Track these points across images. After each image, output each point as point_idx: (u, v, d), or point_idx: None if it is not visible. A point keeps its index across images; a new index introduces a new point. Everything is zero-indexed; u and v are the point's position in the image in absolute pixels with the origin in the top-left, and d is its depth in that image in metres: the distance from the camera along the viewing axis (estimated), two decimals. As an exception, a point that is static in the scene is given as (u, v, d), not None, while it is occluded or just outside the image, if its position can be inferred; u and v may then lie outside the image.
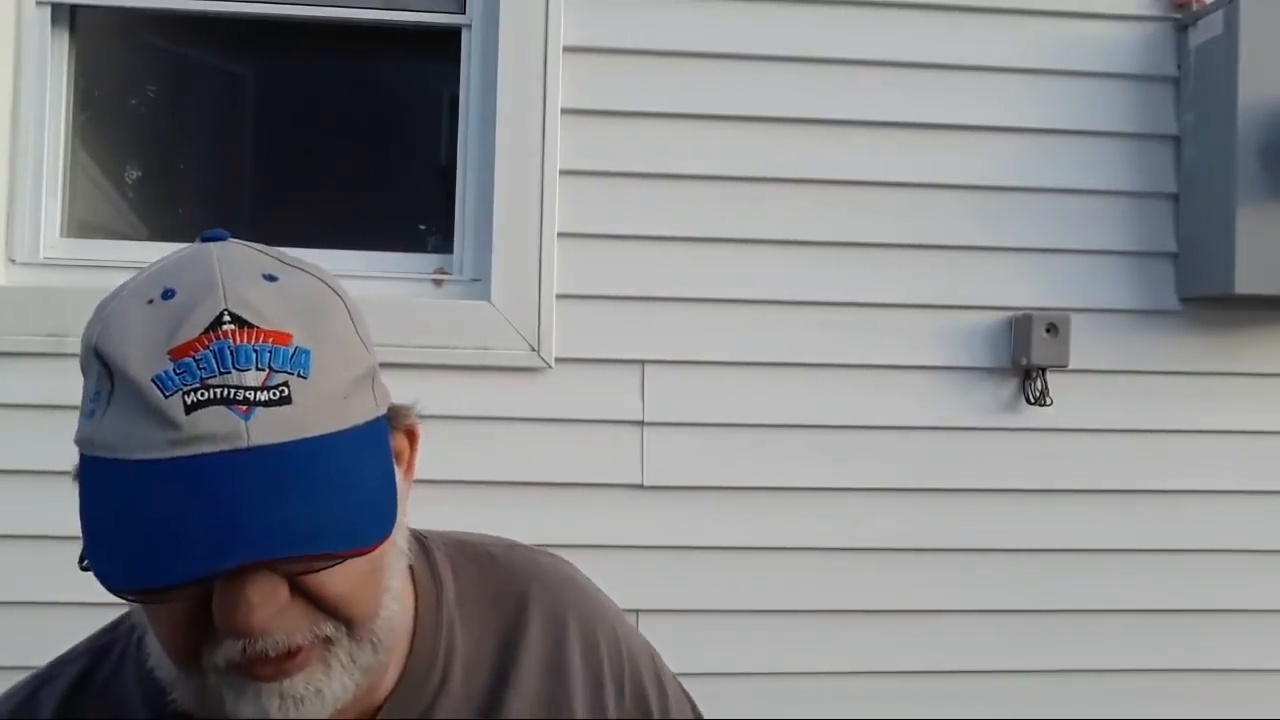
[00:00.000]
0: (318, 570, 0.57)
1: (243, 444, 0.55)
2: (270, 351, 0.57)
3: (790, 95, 1.93)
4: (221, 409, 0.55)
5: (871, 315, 1.93)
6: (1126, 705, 1.96)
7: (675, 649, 1.89)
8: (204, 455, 0.54)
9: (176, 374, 0.55)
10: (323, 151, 2.10)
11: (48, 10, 1.88)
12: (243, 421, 0.55)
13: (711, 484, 1.89)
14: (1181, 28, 1.99)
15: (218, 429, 0.54)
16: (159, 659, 0.62)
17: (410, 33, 2.00)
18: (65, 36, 1.92)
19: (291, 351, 0.58)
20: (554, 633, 0.78)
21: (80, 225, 1.94)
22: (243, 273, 0.60)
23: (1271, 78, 1.85)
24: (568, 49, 1.88)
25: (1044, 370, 1.92)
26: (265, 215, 2.08)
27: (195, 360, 0.56)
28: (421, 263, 1.94)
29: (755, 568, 1.89)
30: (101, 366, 0.57)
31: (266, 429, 0.55)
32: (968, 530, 1.94)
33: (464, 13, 1.94)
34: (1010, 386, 1.96)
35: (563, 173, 1.87)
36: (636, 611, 1.82)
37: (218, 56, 2.08)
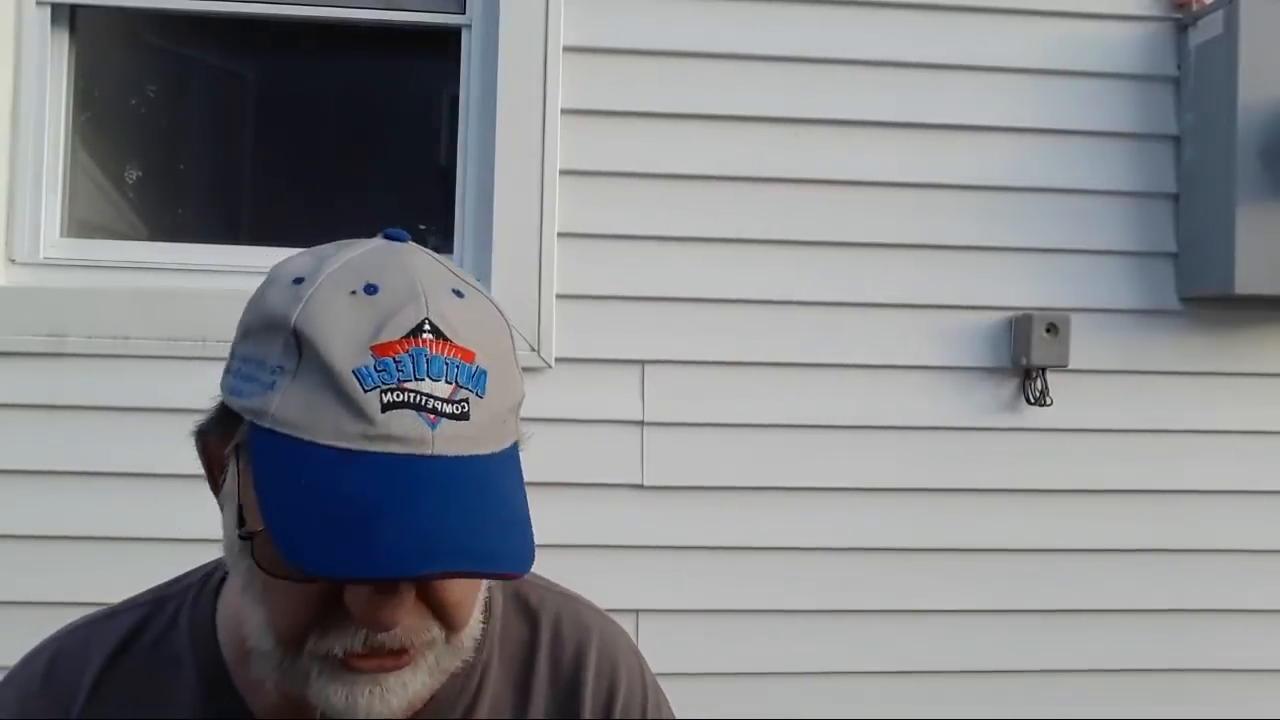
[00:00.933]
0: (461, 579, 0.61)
1: (428, 451, 0.56)
2: (458, 367, 0.59)
3: (790, 95, 1.92)
4: (413, 414, 0.56)
5: (871, 315, 1.93)
6: (1126, 705, 1.96)
7: (674, 649, 1.90)
8: (394, 455, 0.56)
9: (377, 371, 0.57)
10: (322, 151, 2.10)
11: (48, 10, 1.88)
12: (430, 430, 0.57)
13: (711, 484, 1.89)
14: (1181, 28, 1.99)
15: (409, 432, 0.56)
16: (258, 631, 0.62)
17: (410, 33, 2.00)
18: (65, 36, 1.92)
19: (474, 370, 0.60)
20: (574, 660, 0.79)
21: (80, 225, 1.94)
22: (438, 284, 0.62)
23: (1271, 78, 1.85)
24: (568, 49, 1.88)
25: (1044, 370, 1.92)
26: (265, 215, 2.08)
27: (395, 361, 0.57)
28: (421, 263, 1.93)
29: (755, 568, 1.89)
30: (294, 342, 0.58)
31: (449, 441, 0.57)
32: (968, 530, 1.94)
33: (464, 13, 1.94)
34: (1010, 386, 1.96)
35: (563, 173, 1.87)
36: (636, 611, 1.82)
37: (218, 56, 2.08)
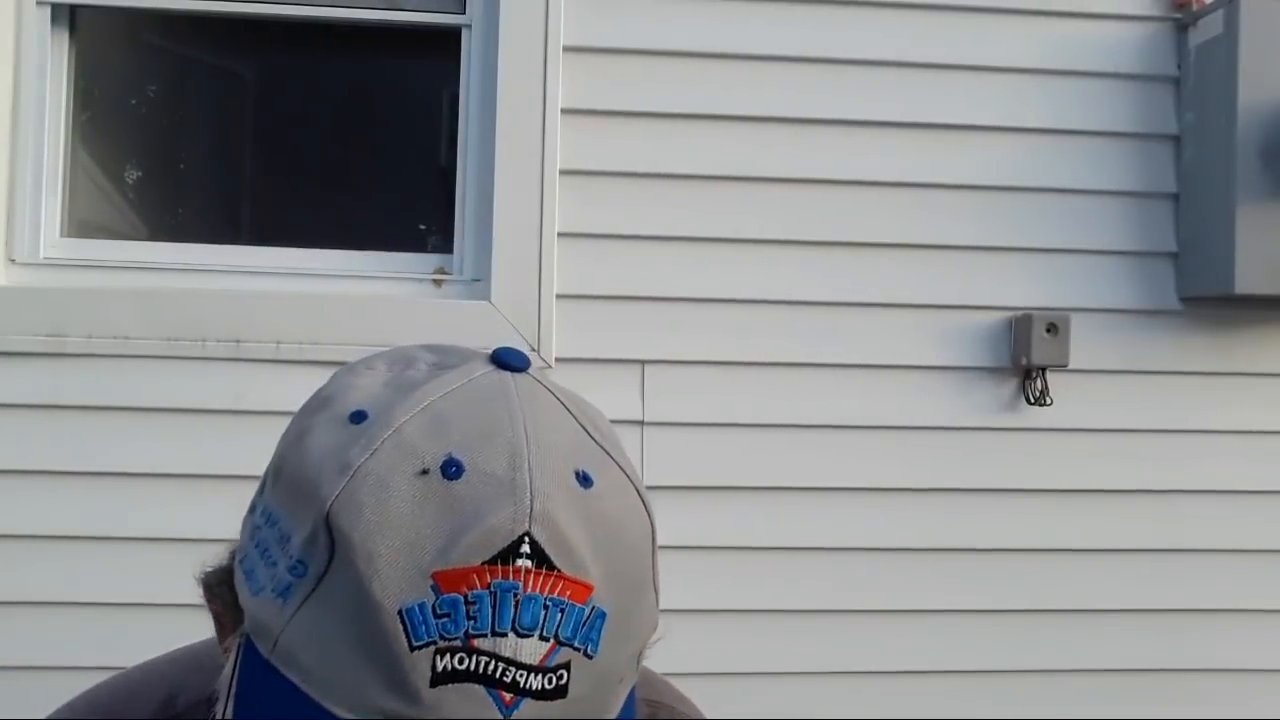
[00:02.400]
0: None
1: None
2: (562, 611, 0.41)
3: (790, 95, 1.92)
4: (480, 691, 0.39)
5: (872, 315, 1.93)
6: (1126, 705, 1.96)
7: (674, 649, 1.89)
8: None
9: (437, 616, 0.39)
10: (322, 151, 2.10)
11: (48, 10, 1.88)
12: (501, 717, 0.39)
13: (711, 484, 1.89)
14: (1181, 28, 1.99)
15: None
16: None
17: (410, 33, 2.00)
18: (65, 36, 1.92)
19: (587, 613, 0.42)
20: None
21: (80, 225, 1.94)
22: (556, 464, 0.44)
23: (1271, 78, 1.85)
24: (568, 49, 1.88)
25: (1044, 370, 1.92)
26: (265, 215, 2.08)
27: (466, 601, 0.39)
28: (421, 263, 1.94)
29: (755, 568, 1.89)
30: (325, 535, 0.41)
31: None
32: (968, 530, 1.94)
33: (464, 13, 1.94)
34: (1010, 386, 1.96)
35: (563, 173, 1.87)
36: (636, 611, 1.82)
37: (218, 56, 2.08)
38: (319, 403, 0.48)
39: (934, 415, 1.94)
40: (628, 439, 2.04)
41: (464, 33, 1.94)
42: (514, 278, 1.85)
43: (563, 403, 0.49)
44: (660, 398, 1.88)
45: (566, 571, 0.41)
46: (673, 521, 1.88)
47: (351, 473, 0.42)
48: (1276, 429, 1.99)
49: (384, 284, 1.90)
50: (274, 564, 0.43)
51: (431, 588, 0.39)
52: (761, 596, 1.89)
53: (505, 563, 0.40)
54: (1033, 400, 1.93)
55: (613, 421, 1.83)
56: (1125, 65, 1.99)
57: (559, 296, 1.87)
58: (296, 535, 0.43)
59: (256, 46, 2.06)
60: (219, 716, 0.45)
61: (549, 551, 0.41)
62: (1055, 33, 1.98)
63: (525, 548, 0.40)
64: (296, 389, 1.81)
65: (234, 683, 0.44)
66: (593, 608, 0.42)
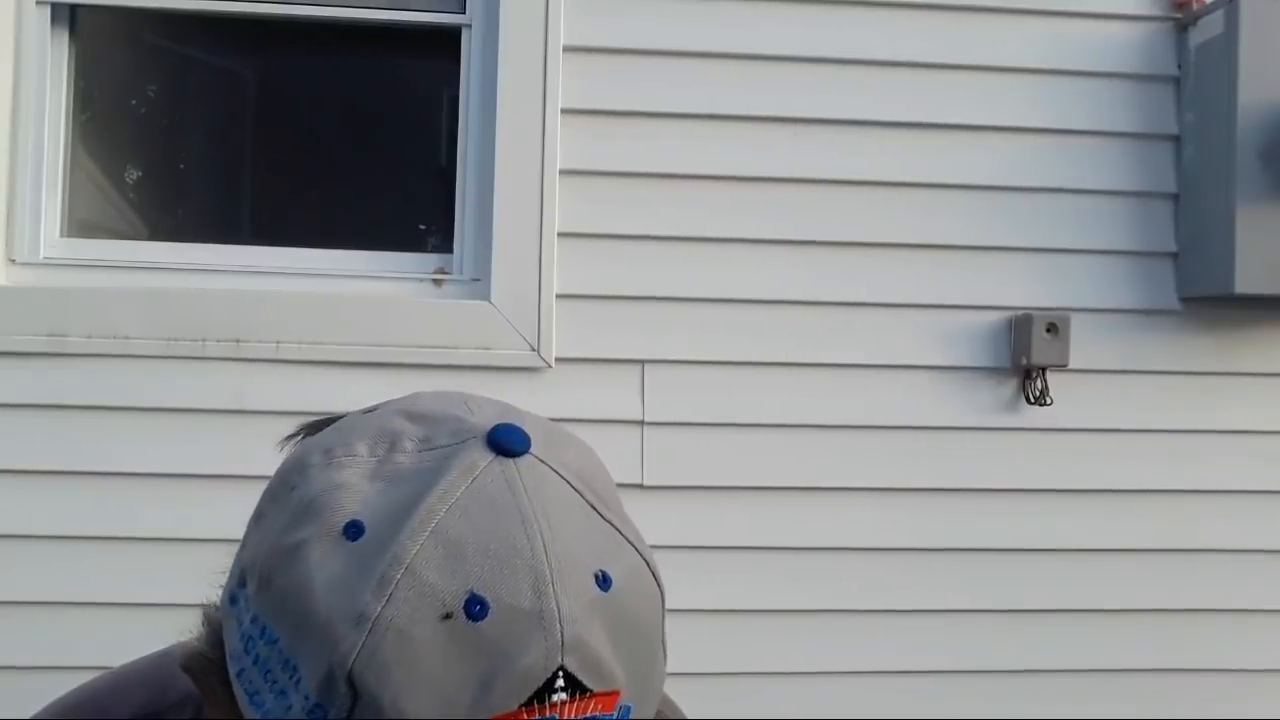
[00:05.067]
0: None
1: None
2: None
3: (790, 95, 1.92)
4: None
5: (871, 315, 1.93)
6: (1127, 705, 1.96)
7: (674, 648, 1.89)
8: None
9: None
10: (323, 151, 2.10)
11: (47, 10, 1.88)
12: None
13: (711, 484, 1.89)
14: (1181, 28, 1.99)
15: None
16: None
17: (410, 33, 2.00)
18: (65, 36, 1.92)
19: (614, 717, 0.42)
20: None
21: (80, 225, 1.94)
22: (577, 576, 0.42)
23: (1271, 78, 1.85)
24: (568, 49, 1.88)
25: (1044, 370, 1.92)
26: (265, 215, 2.08)
27: None
28: (421, 263, 1.94)
29: (755, 568, 1.89)
30: (347, 690, 0.39)
31: None
32: (968, 530, 1.94)
33: (464, 13, 1.94)
34: (1010, 386, 1.96)
35: (563, 173, 1.87)
36: (636, 611, 1.82)
37: (218, 56, 2.08)
38: (303, 506, 0.44)
39: (934, 415, 1.94)
40: (628, 439, 2.04)
41: (464, 33, 1.94)
42: (514, 278, 1.85)
43: (568, 482, 0.46)
44: (660, 398, 1.88)
45: (598, 690, 0.40)
46: (672, 521, 1.88)
47: (370, 626, 0.39)
48: (1276, 429, 1.99)
49: (384, 284, 1.90)
50: (283, 694, 0.41)
51: None
52: (761, 596, 1.89)
53: (541, 701, 0.39)
54: (1033, 400, 1.93)
55: (613, 421, 1.84)
56: (1125, 65, 1.99)
57: (559, 296, 1.87)
58: (307, 672, 0.40)
59: (256, 46, 2.06)
60: None
61: (582, 678, 0.40)
62: (1055, 33, 1.98)
63: (560, 682, 0.39)
64: (296, 389, 1.81)
65: None
66: (620, 708, 0.42)
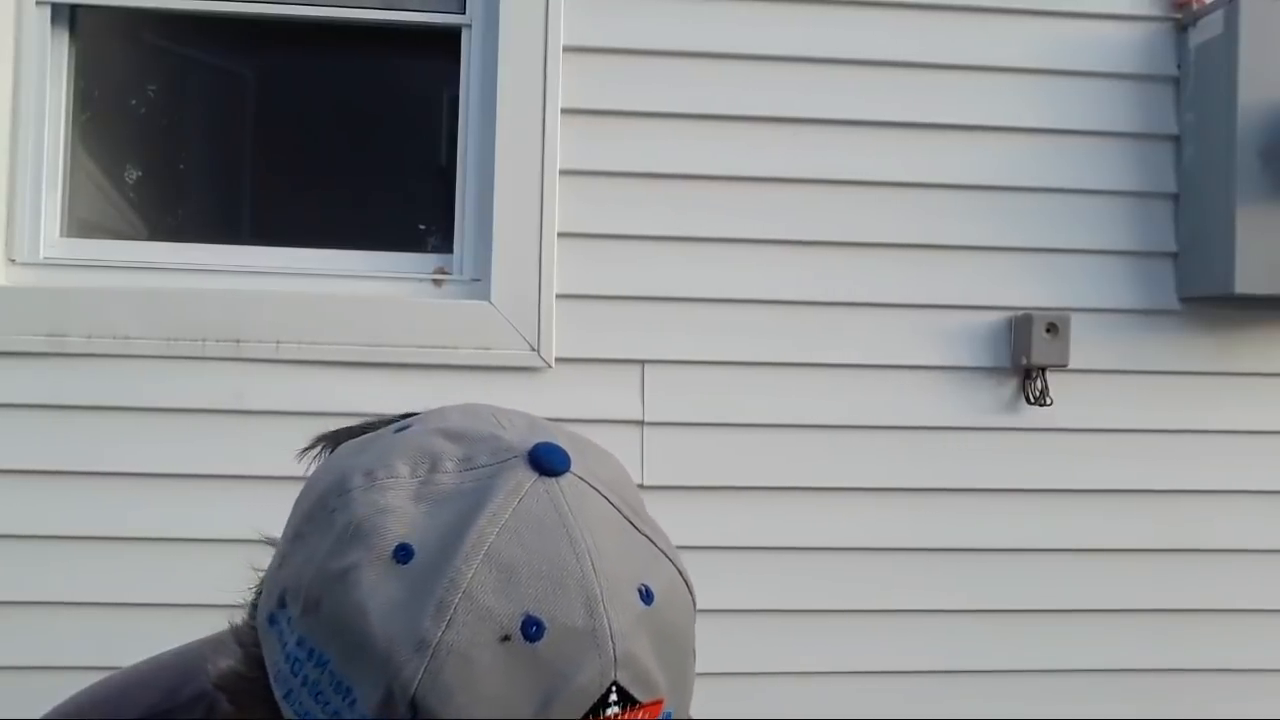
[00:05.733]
0: None
1: None
2: None
3: (790, 95, 1.92)
4: None
5: (871, 315, 1.93)
6: (1126, 705, 1.96)
7: (675, 649, 1.89)
8: None
9: None
10: (322, 151, 2.10)
11: (47, 10, 1.88)
12: None
13: (711, 484, 1.89)
14: (1181, 28, 1.99)
15: None
16: None
17: (410, 33, 2.00)
18: (65, 36, 1.92)
19: None
20: None
21: (80, 225, 1.94)
22: (624, 593, 0.44)
23: (1271, 78, 1.85)
24: (568, 49, 1.88)
25: (1044, 370, 1.92)
26: (265, 215, 2.08)
27: None
28: (421, 263, 1.94)
29: (755, 567, 1.89)
30: (409, 711, 0.40)
31: None
32: (967, 530, 1.94)
33: (464, 13, 1.94)
34: (1010, 386, 1.96)
35: (563, 173, 1.87)
36: (636, 611, 1.82)
37: (218, 56, 2.08)
38: (349, 531, 0.44)
39: (934, 415, 1.94)
40: (628, 439, 2.05)
41: (464, 33, 1.94)
42: (514, 278, 1.85)
43: (607, 498, 0.47)
44: (660, 398, 1.88)
45: (645, 700, 0.42)
46: (672, 521, 1.87)
47: (430, 650, 0.40)
48: (1276, 429, 1.99)
49: (384, 284, 1.90)
50: (337, 713, 0.42)
51: None
52: (761, 596, 1.89)
53: (595, 715, 0.41)
54: (1033, 400, 1.93)
55: (613, 421, 1.85)
56: (1125, 65, 1.99)
57: (559, 296, 1.87)
58: (363, 694, 0.41)
59: (256, 46, 2.06)
60: None
61: (633, 691, 0.42)
62: (1055, 33, 1.98)
63: (613, 696, 0.41)
64: (296, 389, 1.82)
65: None
66: (664, 716, 0.44)
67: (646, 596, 0.44)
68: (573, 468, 0.47)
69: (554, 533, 0.43)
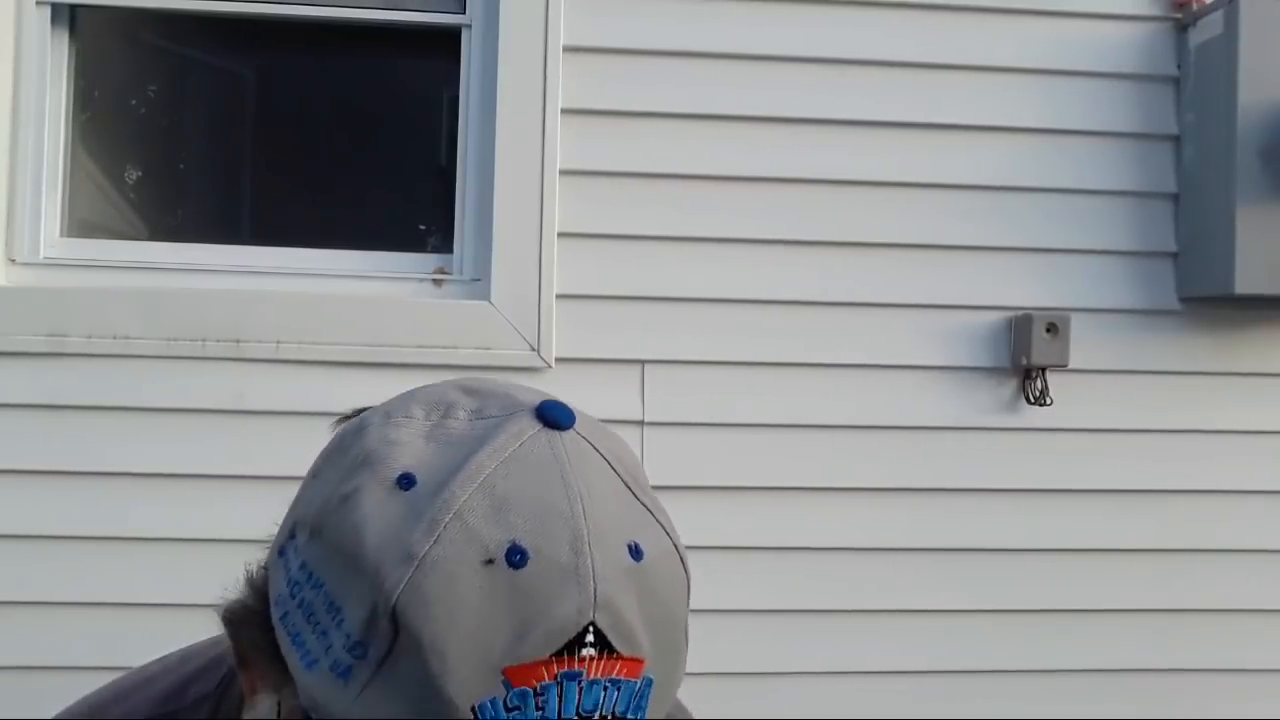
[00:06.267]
0: None
1: None
2: (618, 689, 0.42)
3: (790, 95, 1.92)
4: None
5: (871, 315, 1.93)
6: (1126, 705, 1.96)
7: (675, 649, 1.90)
8: None
9: (508, 709, 0.40)
10: (322, 151, 2.10)
11: (47, 10, 1.88)
12: None
13: (711, 484, 1.89)
14: (1181, 28, 1.99)
15: None
16: None
17: (410, 33, 2.00)
18: (65, 36, 1.92)
19: (638, 686, 0.44)
20: None
21: (80, 225, 1.94)
22: (612, 541, 0.44)
23: (1271, 78, 1.85)
24: (568, 49, 1.88)
25: (1044, 370, 1.92)
26: (265, 215, 2.08)
27: (536, 693, 0.40)
28: (421, 263, 1.94)
29: (755, 567, 1.89)
30: (389, 625, 0.41)
31: None
32: (968, 530, 1.94)
33: (464, 13, 1.94)
34: (1010, 386, 1.96)
35: (563, 173, 1.87)
36: (636, 611, 1.82)
37: (218, 56, 2.08)
38: (360, 459, 0.46)
39: (934, 415, 1.94)
40: (628, 439, 2.04)
41: (464, 33, 1.94)
42: (514, 278, 1.85)
43: (607, 460, 0.48)
44: (660, 398, 1.88)
45: (624, 653, 0.43)
46: (672, 521, 1.88)
47: (416, 563, 0.41)
48: (1276, 429, 1.99)
49: (384, 284, 1.90)
50: (324, 634, 0.43)
51: (502, 683, 0.40)
52: (761, 596, 1.89)
53: (571, 654, 0.41)
54: (1033, 400, 1.93)
55: (613, 421, 1.86)
56: (1125, 65, 1.99)
57: (559, 296, 1.87)
58: (351, 611, 0.42)
59: (256, 46, 2.06)
60: None
61: (610, 637, 0.42)
62: (1055, 33, 1.98)
63: (590, 637, 0.41)
64: (296, 389, 1.82)
65: None
66: (643, 679, 0.44)
67: (636, 553, 0.45)
68: (577, 427, 0.48)
69: (549, 474, 0.45)
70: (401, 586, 0.41)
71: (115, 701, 0.67)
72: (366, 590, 0.42)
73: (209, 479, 1.77)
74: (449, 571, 0.41)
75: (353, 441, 0.48)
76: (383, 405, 0.51)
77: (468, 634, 0.40)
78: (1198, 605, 1.98)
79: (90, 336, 1.78)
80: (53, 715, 0.68)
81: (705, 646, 1.86)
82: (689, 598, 0.51)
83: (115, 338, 1.78)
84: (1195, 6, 1.97)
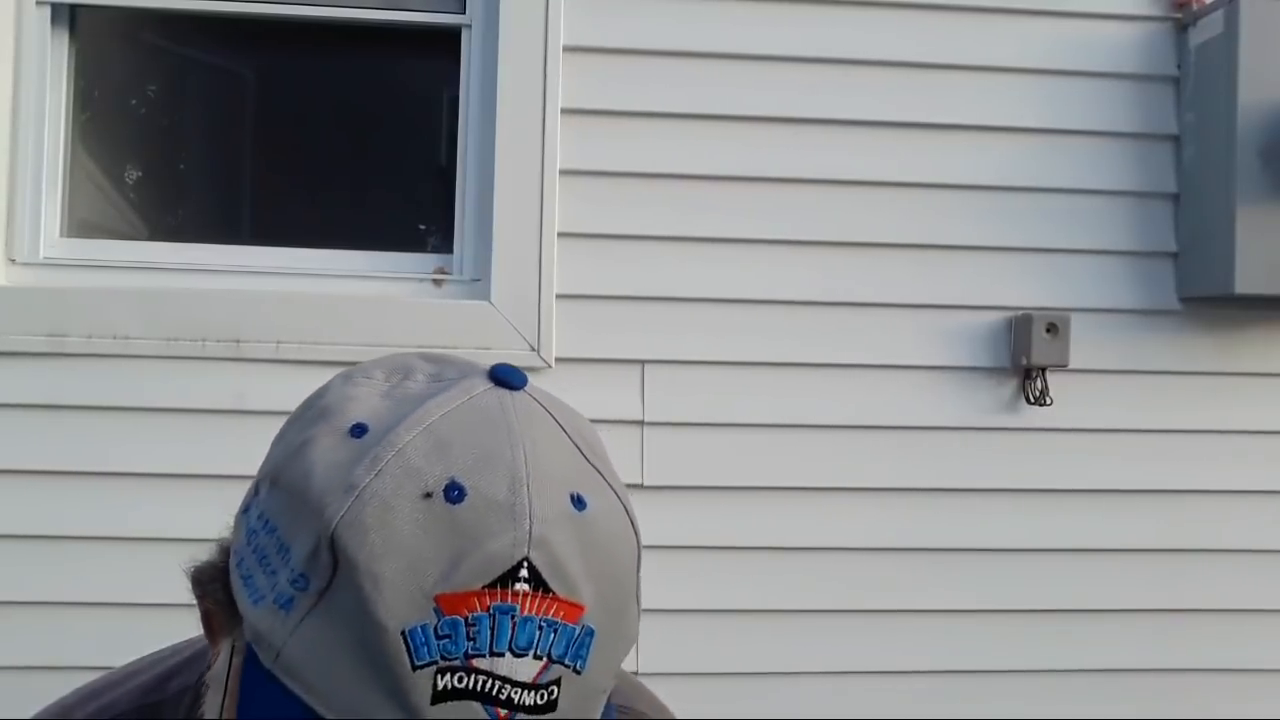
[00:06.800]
0: None
1: None
2: (555, 631, 0.43)
3: (790, 95, 1.92)
4: (477, 708, 0.41)
5: (871, 315, 1.93)
6: (1126, 705, 1.96)
7: (674, 649, 1.90)
8: None
9: (438, 637, 0.41)
10: (322, 151, 2.10)
11: (48, 10, 1.88)
12: None
13: (711, 484, 1.89)
14: (1181, 28, 1.99)
15: None
16: None
17: (410, 33, 2.00)
18: (65, 36, 1.92)
19: (577, 632, 0.43)
20: None
21: (80, 225, 1.94)
22: (553, 488, 0.45)
23: (1271, 78, 1.85)
24: (568, 49, 1.88)
25: (1044, 370, 1.92)
26: (265, 215, 2.08)
27: (466, 623, 0.41)
28: (421, 263, 1.94)
29: (755, 567, 1.89)
30: (328, 553, 0.42)
31: None
32: (968, 530, 1.94)
33: (464, 13, 1.94)
34: (1010, 386, 1.96)
35: (563, 173, 1.87)
36: (636, 611, 1.82)
37: (218, 56, 2.08)
38: (317, 413, 0.48)
39: (934, 415, 1.94)
40: (628, 439, 2.04)
41: (464, 33, 1.94)
42: (514, 278, 1.85)
43: (558, 422, 0.49)
44: (660, 398, 1.88)
45: (561, 594, 0.43)
46: (672, 521, 1.88)
47: (356, 493, 0.43)
48: (1276, 429, 1.99)
49: (384, 284, 1.90)
50: (273, 573, 0.44)
51: (434, 610, 0.41)
52: (761, 596, 1.89)
53: (504, 586, 0.42)
54: (1033, 400, 1.93)
55: (613, 421, 1.85)
56: (1125, 65, 1.99)
57: (559, 296, 1.87)
58: (297, 548, 0.44)
59: (256, 46, 2.06)
60: (212, 715, 0.48)
61: (545, 575, 0.43)
62: (1055, 33, 1.98)
63: (524, 572, 0.42)
64: (296, 389, 1.81)
65: (228, 683, 0.47)
66: (583, 627, 0.44)
67: (578, 502, 0.45)
68: (529, 390, 0.50)
69: (494, 424, 0.46)
70: (341, 514, 0.42)
71: (96, 695, 0.68)
72: (312, 523, 0.43)
73: (209, 479, 1.77)
74: (386, 502, 0.42)
75: (314, 400, 0.50)
76: (346, 370, 0.53)
77: (402, 560, 0.41)
78: (1198, 605, 1.98)
79: (90, 336, 1.78)
80: (29, 716, 0.68)
81: (705, 646, 1.87)
82: (639, 563, 0.50)
83: (115, 338, 1.78)
84: (1195, 6, 1.97)
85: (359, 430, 0.46)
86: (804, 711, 1.89)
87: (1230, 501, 1.98)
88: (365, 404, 0.48)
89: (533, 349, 1.85)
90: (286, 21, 1.95)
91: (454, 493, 0.43)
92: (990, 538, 1.94)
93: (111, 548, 1.77)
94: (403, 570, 0.41)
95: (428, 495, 0.43)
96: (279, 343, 1.81)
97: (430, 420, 0.45)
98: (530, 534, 0.43)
